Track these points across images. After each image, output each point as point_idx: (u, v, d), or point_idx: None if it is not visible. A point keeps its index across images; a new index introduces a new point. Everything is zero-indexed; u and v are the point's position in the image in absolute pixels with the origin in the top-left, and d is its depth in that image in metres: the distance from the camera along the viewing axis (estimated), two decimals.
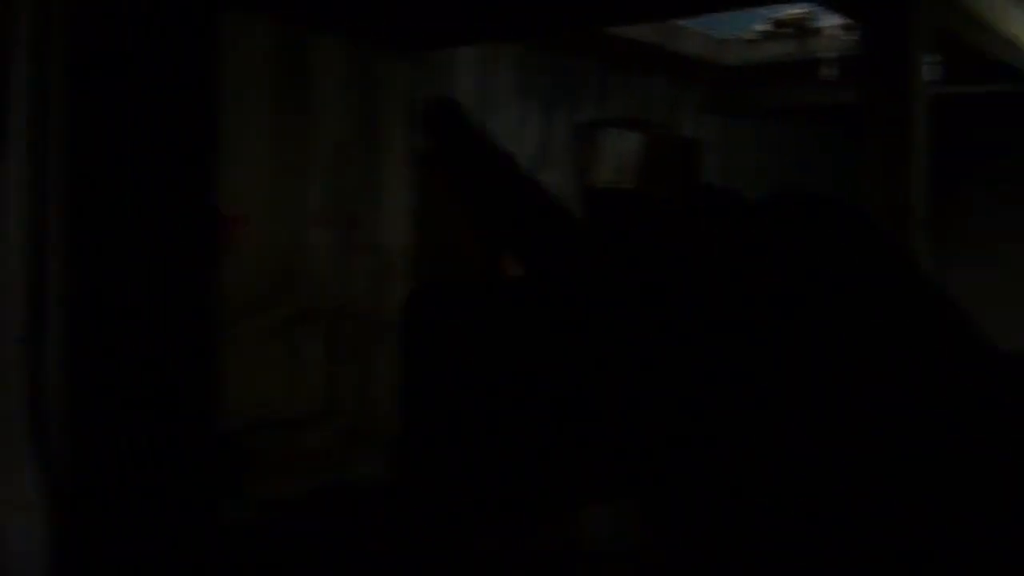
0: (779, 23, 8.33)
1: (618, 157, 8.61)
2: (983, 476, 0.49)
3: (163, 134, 2.16)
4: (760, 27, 8.54)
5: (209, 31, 2.38)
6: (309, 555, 5.16)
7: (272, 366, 6.12)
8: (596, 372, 0.64)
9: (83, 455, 2.01)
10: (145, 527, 2.07)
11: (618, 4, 5.83)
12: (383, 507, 5.64)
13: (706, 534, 0.58)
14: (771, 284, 0.56)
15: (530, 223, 0.70)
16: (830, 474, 0.50)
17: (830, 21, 7.79)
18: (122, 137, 2.06)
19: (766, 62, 8.88)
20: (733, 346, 0.56)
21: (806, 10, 7.89)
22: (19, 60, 2.13)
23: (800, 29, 8.20)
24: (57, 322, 2.04)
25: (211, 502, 2.31)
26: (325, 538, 5.29)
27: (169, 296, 2.16)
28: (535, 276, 0.68)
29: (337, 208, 6.42)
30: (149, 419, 2.09)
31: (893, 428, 0.50)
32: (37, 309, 2.08)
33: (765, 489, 0.53)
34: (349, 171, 6.49)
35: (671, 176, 9.70)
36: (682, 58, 8.66)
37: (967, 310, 0.53)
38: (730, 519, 0.55)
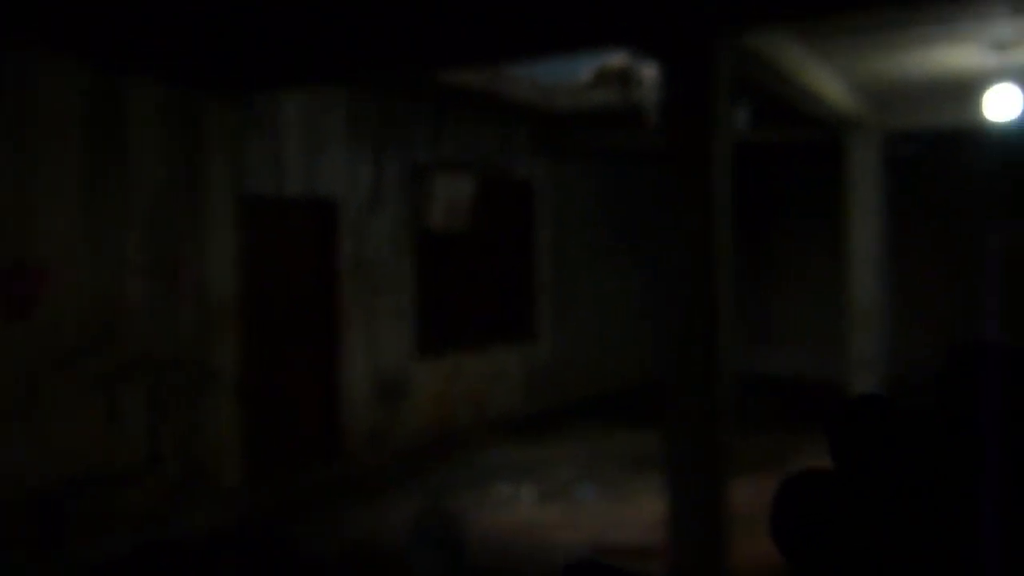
0: (603, 72, 8.67)
1: (451, 199, 8.71)
2: None
3: None
4: (586, 76, 8.86)
5: None
6: None
7: (90, 421, 5.83)
8: None
9: None
10: None
11: (438, 50, 5.95)
12: (207, 561, 5.43)
13: None
14: None
15: None
16: None
17: (652, 72, 8.17)
18: None
19: (594, 108, 9.22)
20: None
21: (629, 61, 8.25)
22: None
23: (624, 78, 8.56)
24: None
25: None
26: None
27: None
28: None
29: (158, 256, 6.21)
30: None
31: None
32: None
33: None
34: (170, 218, 6.30)
35: (504, 217, 9.88)
36: (512, 103, 8.89)
37: None
38: None
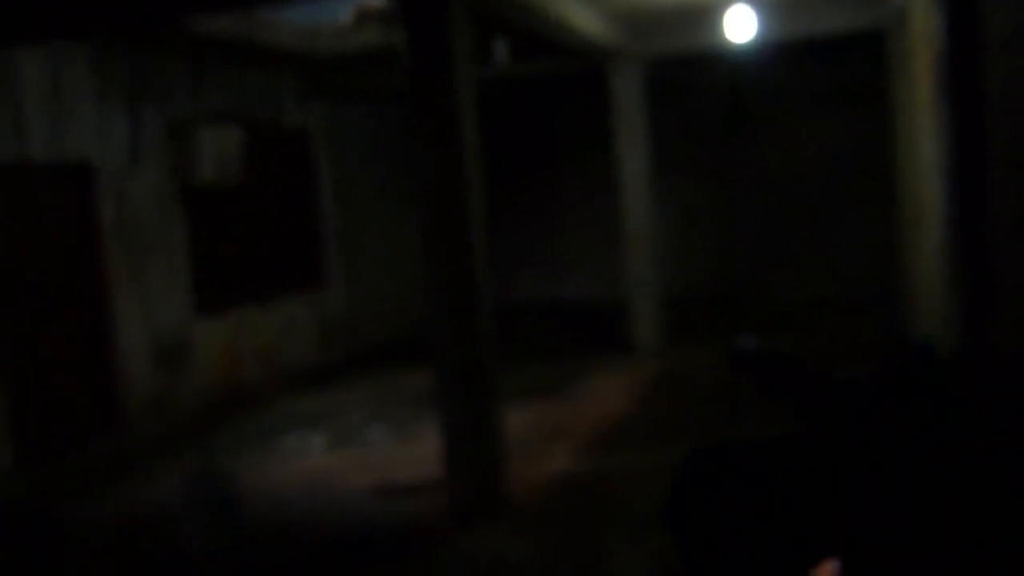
0: (364, 13, 8.54)
1: (219, 151, 8.41)
2: None
3: None
4: (348, 18, 8.70)
5: None
6: None
7: None
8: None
9: None
10: None
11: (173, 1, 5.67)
12: None
13: None
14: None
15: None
16: None
17: None
18: None
19: (359, 50, 9.08)
20: None
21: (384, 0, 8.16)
22: None
23: (384, 18, 8.46)
24: None
25: None
26: None
27: None
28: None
29: None
30: None
31: None
32: None
33: None
34: None
35: (281, 166, 9.65)
36: (275, 50, 8.62)
37: None
38: None
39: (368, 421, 7.53)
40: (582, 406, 7.59)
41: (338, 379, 9.43)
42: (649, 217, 9.76)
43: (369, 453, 6.68)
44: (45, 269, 7.11)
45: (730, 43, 8.53)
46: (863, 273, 12.02)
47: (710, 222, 12.85)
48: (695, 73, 12.11)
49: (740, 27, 7.87)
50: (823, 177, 12.29)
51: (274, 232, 9.49)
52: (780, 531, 1.15)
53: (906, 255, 8.92)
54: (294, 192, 9.90)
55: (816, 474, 1.18)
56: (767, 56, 10.33)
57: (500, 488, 5.29)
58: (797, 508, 1.17)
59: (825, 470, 1.19)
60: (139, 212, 7.85)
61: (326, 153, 10.29)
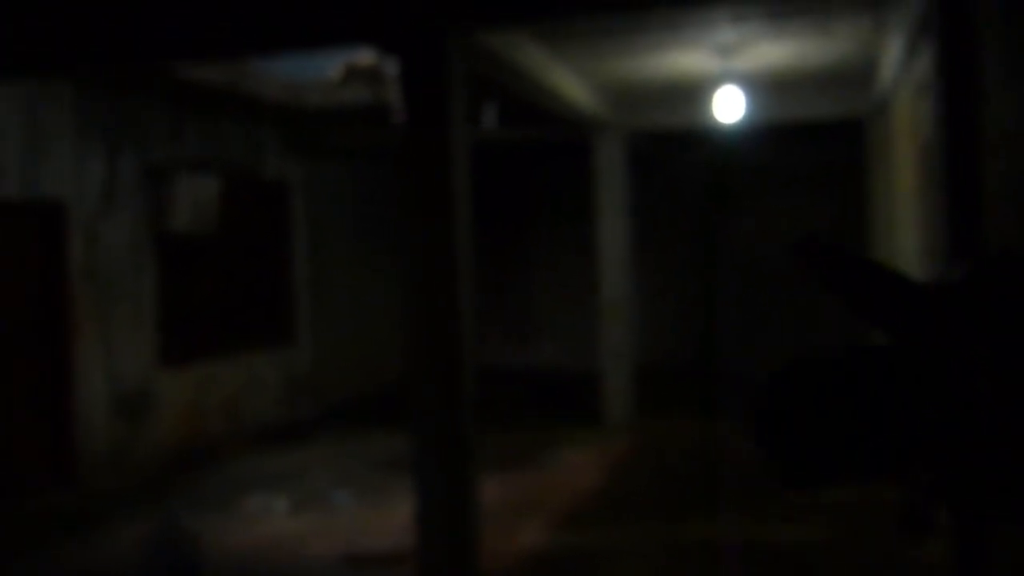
0: (352, 70, 8.51)
1: (195, 200, 8.27)
2: None
3: None
4: (335, 74, 8.66)
5: None
6: None
7: None
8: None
9: None
10: None
11: (167, 44, 5.58)
12: None
13: None
14: None
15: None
16: None
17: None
18: None
19: (344, 107, 9.04)
20: None
21: (376, 58, 8.14)
22: None
23: (373, 75, 8.43)
24: None
25: None
26: None
27: None
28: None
29: None
30: None
31: None
32: None
33: None
34: None
35: (257, 218, 9.51)
36: (259, 101, 8.55)
37: None
38: None
39: (335, 484, 7.30)
40: (553, 479, 7.42)
41: (304, 438, 9.18)
42: (625, 288, 9.72)
43: (335, 518, 6.44)
44: (8, 310, 6.86)
45: (716, 122, 8.61)
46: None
47: (686, 296, 12.87)
48: (679, 148, 12.24)
49: (728, 107, 7.95)
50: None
51: (245, 285, 9.31)
52: (870, 433, 1.24)
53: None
54: (268, 245, 9.74)
55: (908, 382, 1.27)
56: (751, 136, 10.46)
57: (474, 562, 5.09)
58: (887, 412, 1.26)
59: (918, 378, 1.26)
60: (109, 256, 7.65)
61: (303, 207, 10.18)
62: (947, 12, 4.39)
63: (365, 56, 8.18)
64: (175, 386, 8.24)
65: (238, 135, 9.14)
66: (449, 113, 4.92)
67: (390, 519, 6.27)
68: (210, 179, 8.46)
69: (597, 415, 9.68)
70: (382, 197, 11.81)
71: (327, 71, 8.70)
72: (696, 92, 8.87)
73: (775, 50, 7.34)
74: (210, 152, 8.76)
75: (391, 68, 7.87)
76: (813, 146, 11.90)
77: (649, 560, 5.38)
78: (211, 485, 7.45)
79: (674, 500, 6.69)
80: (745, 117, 8.63)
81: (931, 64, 5.23)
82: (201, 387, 8.55)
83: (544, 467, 7.82)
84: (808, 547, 5.50)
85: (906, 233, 7.15)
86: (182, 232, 8.20)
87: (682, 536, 5.82)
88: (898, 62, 6.37)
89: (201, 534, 5.19)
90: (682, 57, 7.51)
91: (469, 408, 5.04)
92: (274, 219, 9.83)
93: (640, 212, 12.47)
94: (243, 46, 5.87)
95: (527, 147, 11.37)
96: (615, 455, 8.21)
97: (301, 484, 7.34)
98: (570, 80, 7.67)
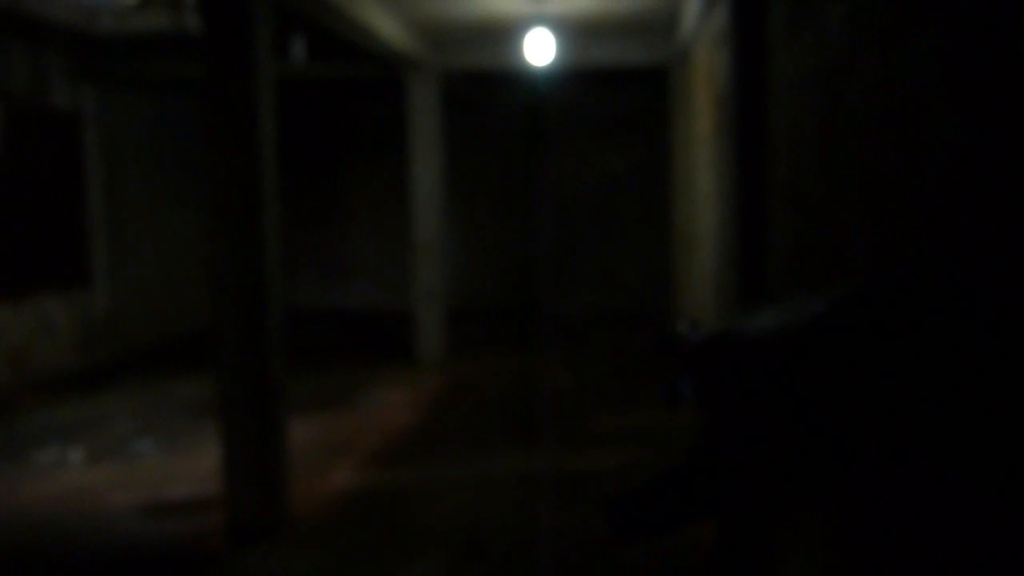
0: None
1: None
2: None
3: None
4: None
5: None
6: None
7: None
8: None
9: None
10: None
11: None
12: None
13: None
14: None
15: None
16: None
17: None
18: None
19: (143, 33, 8.51)
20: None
21: None
22: None
23: (172, 2, 7.95)
24: None
25: None
26: None
27: None
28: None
29: None
30: None
31: None
32: None
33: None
34: None
35: (44, 152, 8.85)
36: (44, 23, 7.90)
37: None
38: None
39: (136, 433, 7.01)
40: (367, 418, 7.42)
41: (102, 386, 8.74)
42: (439, 228, 9.75)
43: (137, 467, 6.20)
44: None
45: (529, 65, 8.68)
46: (639, 291, 12.59)
47: (502, 236, 13.04)
48: (495, 90, 12.28)
49: (539, 50, 8.04)
50: (606, 199, 12.78)
51: (31, 222, 8.67)
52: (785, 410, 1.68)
53: (679, 277, 9.40)
54: (58, 180, 9.10)
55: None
56: (565, 80, 10.63)
57: (284, 505, 5.05)
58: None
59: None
60: None
61: (98, 140, 9.55)
62: None
63: None
64: None
65: (21, 61, 8.43)
66: (253, 43, 4.73)
67: (197, 466, 6.10)
68: None
69: (411, 355, 9.73)
70: (187, 130, 11.25)
71: None
72: (509, 34, 8.91)
73: None
74: None
75: None
76: (624, 91, 12.25)
77: (460, 494, 5.50)
78: None
79: (486, 435, 6.84)
80: (556, 61, 8.76)
81: (726, 17, 5.47)
82: None
83: (357, 407, 7.81)
84: (610, 472, 5.78)
85: (703, 175, 7.51)
86: None
87: (493, 470, 5.98)
88: (698, 14, 6.62)
89: None
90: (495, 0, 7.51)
91: (278, 348, 4.95)
92: (65, 152, 9.17)
93: (457, 153, 12.49)
94: None
95: (344, 83, 11.10)
96: (428, 394, 8.30)
97: (99, 434, 7.01)
98: (383, 17, 7.52)
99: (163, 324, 10.75)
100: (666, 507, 2.04)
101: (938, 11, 2.08)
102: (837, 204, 3.10)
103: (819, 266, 3.37)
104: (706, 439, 1.85)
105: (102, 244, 9.57)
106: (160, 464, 6.25)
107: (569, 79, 10.86)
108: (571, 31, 8.84)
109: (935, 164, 2.16)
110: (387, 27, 7.69)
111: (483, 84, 11.62)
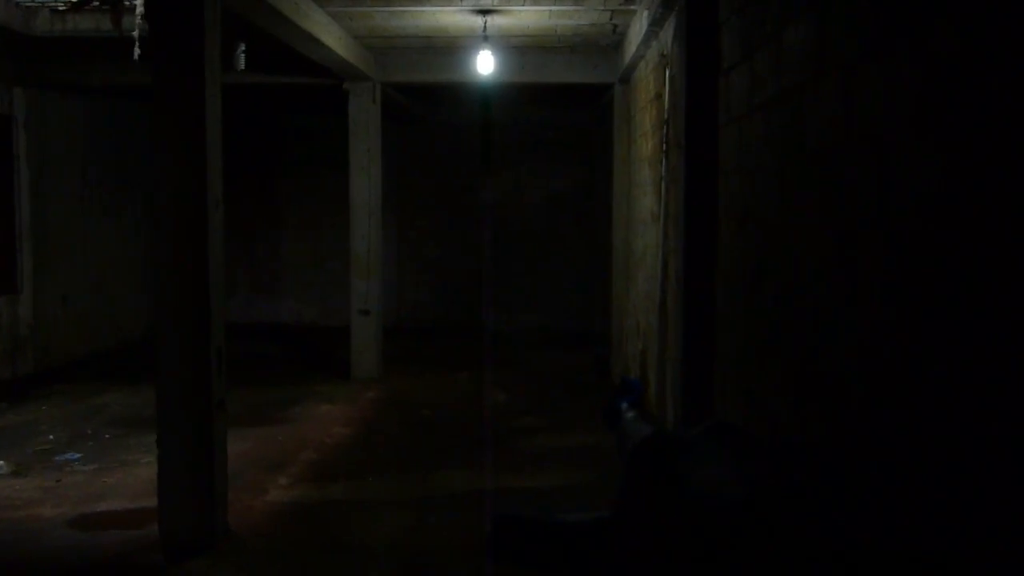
0: None
1: None
2: None
3: None
4: None
5: None
6: None
7: None
8: None
9: None
10: None
11: None
12: None
13: None
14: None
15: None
16: None
17: None
18: None
19: (81, 36, 8.29)
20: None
21: None
22: None
23: (114, 5, 7.78)
24: None
25: None
26: None
27: None
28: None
29: None
30: None
31: None
32: None
33: None
34: None
35: None
36: None
37: None
38: None
39: (65, 446, 6.79)
40: (303, 433, 7.31)
41: (29, 396, 8.46)
42: (377, 243, 9.68)
43: (66, 480, 6.01)
44: None
45: (476, 81, 8.71)
46: (580, 310, 12.68)
47: (440, 254, 13.00)
48: (439, 107, 12.28)
49: (485, 67, 8.09)
50: (548, 218, 12.87)
51: None
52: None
53: (615, 299, 9.48)
54: None
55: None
56: (512, 96, 10.67)
57: (221, 520, 4.94)
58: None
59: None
60: None
61: (31, 144, 9.26)
62: None
63: None
64: None
65: None
66: (203, 49, 4.66)
67: (128, 480, 5.94)
68: None
69: (345, 370, 9.63)
70: (122, 137, 10.99)
71: None
72: (455, 49, 8.93)
73: (532, 14, 7.52)
74: None
75: None
76: (569, 111, 12.36)
77: (399, 511, 5.44)
78: None
79: (424, 453, 6.80)
80: (503, 77, 8.80)
81: (673, 39, 5.57)
82: None
83: (293, 422, 7.69)
84: (550, 491, 5.78)
85: (645, 196, 7.61)
86: None
87: (432, 487, 5.94)
88: (643, 34, 6.72)
89: None
90: (442, 14, 7.52)
91: (218, 360, 4.85)
92: None
93: (398, 168, 12.44)
94: None
95: (283, 95, 10.97)
96: (363, 409, 8.22)
97: (24, 446, 6.78)
98: (325, 26, 7.47)
99: (100, 335, 10.46)
100: (553, 551, 2.29)
101: (909, 39, 2.13)
102: (794, 228, 3.16)
103: (773, 289, 3.44)
104: (614, 528, 2.22)
105: (29, 252, 9.28)
106: (90, 477, 6.06)
107: (513, 96, 10.93)
108: (515, 48, 8.90)
109: (900, 198, 2.21)
110: (332, 38, 7.64)
111: (426, 99, 11.62)
